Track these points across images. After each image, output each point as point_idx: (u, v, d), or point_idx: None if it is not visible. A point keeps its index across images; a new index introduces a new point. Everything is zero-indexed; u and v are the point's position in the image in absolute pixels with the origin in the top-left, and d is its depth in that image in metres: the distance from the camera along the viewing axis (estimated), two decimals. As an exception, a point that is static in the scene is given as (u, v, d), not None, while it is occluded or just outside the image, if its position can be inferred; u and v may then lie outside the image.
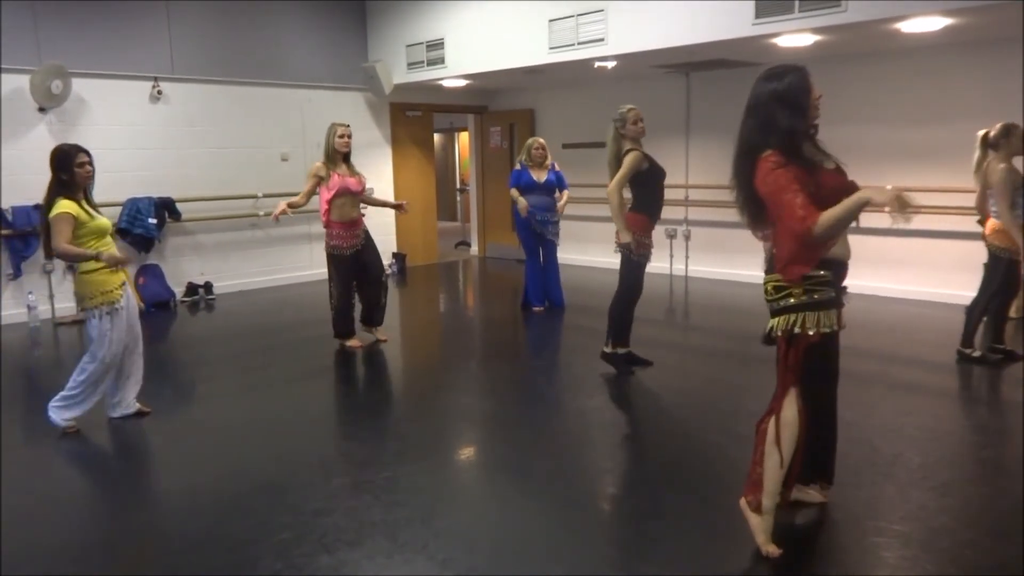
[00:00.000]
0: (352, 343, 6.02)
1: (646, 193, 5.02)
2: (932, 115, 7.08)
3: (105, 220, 4.24)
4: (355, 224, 5.86)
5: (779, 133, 2.68)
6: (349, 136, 5.81)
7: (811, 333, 2.70)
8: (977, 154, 5.12)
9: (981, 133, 5.11)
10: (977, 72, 6.77)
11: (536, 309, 7.22)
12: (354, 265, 5.90)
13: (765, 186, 2.67)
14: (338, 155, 5.76)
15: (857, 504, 3.18)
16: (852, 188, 2.78)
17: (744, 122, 2.80)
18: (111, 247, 4.19)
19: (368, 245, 5.98)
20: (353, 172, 5.83)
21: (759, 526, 2.84)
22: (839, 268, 2.78)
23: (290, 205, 5.65)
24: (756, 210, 2.81)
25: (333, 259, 5.91)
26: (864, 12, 5.53)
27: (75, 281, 4.26)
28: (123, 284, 4.24)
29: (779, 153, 2.66)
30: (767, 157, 2.67)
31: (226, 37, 8.47)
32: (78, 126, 7.44)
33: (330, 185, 5.70)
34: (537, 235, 7.13)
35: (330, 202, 5.73)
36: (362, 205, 6.06)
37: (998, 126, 4.99)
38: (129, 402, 4.47)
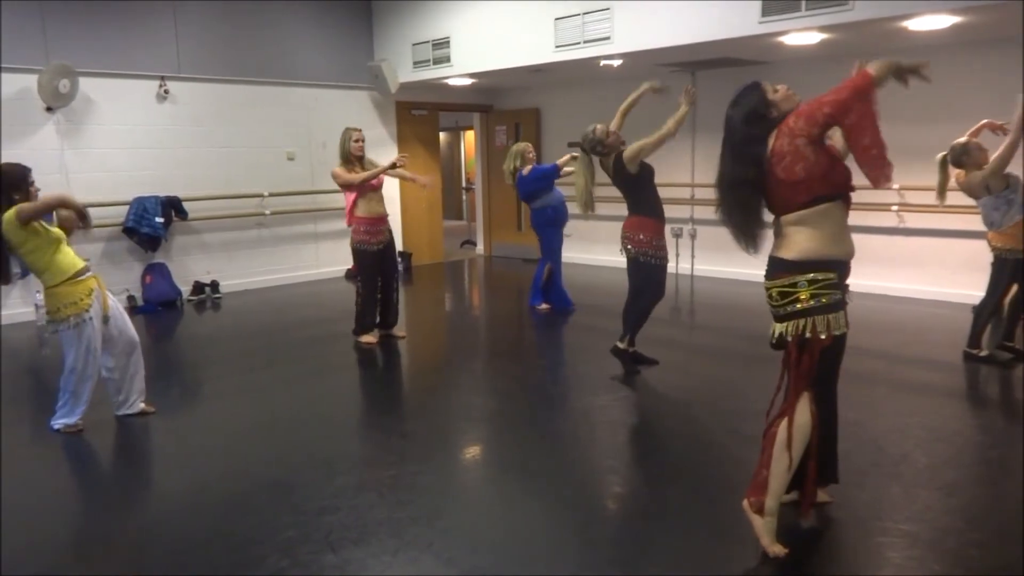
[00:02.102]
0: (367, 339, 6.08)
1: (649, 194, 5.01)
2: (939, 114, 7.05)
3: (58, 231, 4.15)
4: (381, 220, 5.97)
5: (756, 157, 2.73)
6: (363, 140, 5.96)
7: (823, 337, 2.70)
8: (939, 177, 5.16)
9: (940, 157, 5.17)
10: (984, 71, 6.74)
11: (543, 308, 7.22)
12: (379, 261, 5.99)
13: (808, 124, 2.64)
14: (354, 158, 5.90)
15: (863, 504, 3.17)
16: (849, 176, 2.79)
17: (722, 157, 2.84)
18: (69, 255, 4.14)
19: (391, 244, 6.08)
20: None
21: (763, 527, 2.83)
22: (843, 268, 2.78)
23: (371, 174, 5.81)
24: (754, 227, 2.82)
25: (359, 254, 5.99)
26: (871, 10, 5.51)
27: (44, 296, 4.20)
28: (91, 292, 4.15)
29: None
30: (783, 131, 2.69)
31: (232, 37, 8.48)
32: (85, 125, 7.47)
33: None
34: (561, 231, 7.11)
35: (356, 199, 5.85)
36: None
37: (957, 145, 5.05)
38: (132, 401, 4.49)
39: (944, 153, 5.14)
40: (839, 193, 2.74)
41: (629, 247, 5.04)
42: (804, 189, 2.69)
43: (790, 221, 2.75)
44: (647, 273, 5.04)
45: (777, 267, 2.78)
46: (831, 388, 2.93)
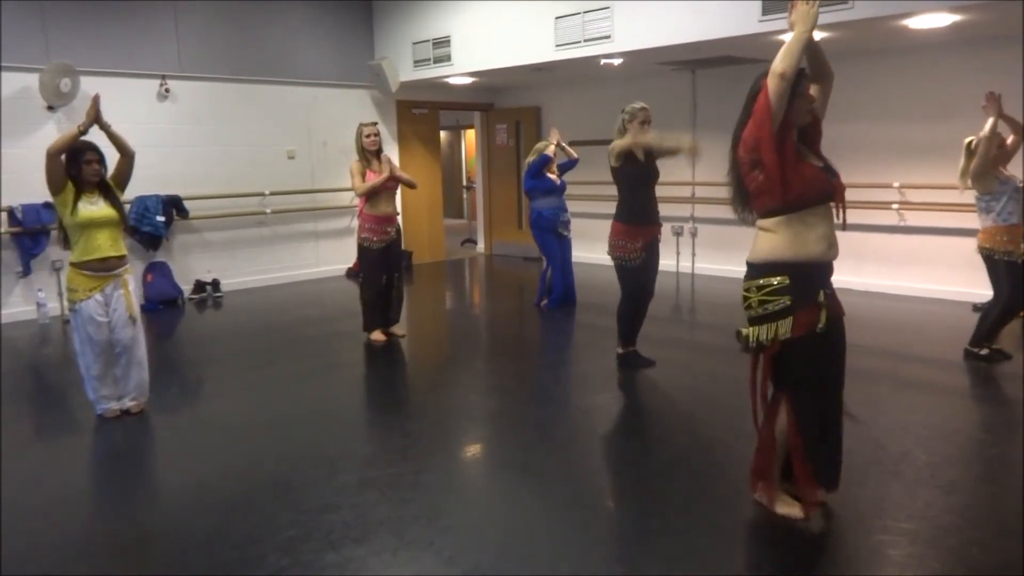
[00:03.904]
0: (376, 337, 6.10)
1: (626, 196, 4.96)
2: (938, 112, 7.05)
3: (95, 213, 4.21)
4: (388, 220, 5.95)
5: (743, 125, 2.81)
6: (377, 135, 5.91)
7: (766, 342, 2.83)
8: (962, 162, 5.17)
9: (967, 141, 5.18)
10: (983, 69, 6.73)
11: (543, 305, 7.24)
12: (384, 259, 5.97)
13: (745, 151, 2.75)
14: (369, 154, 5.87)
15: (863, 502, 3.17)
16: (837, 187, 2.82)
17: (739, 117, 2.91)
18: (96, 243, 4.21)
19: (396, 243, 6.07)
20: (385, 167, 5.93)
21: (777, 502, 2.96)
22: (824, 269, 2.83)
23: (371, 189, 5.79)
24: (740, 192, 2.94)
25: (363, 251, 5.99)
26: (871, 9, 5.51)
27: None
28: (94, 289, 4.23)
29: None
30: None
31: (233, 35, 8.49)
32: (86, 124, 7.47)
33: (365, 180, 5.82)
34: (558, 236, 7.13)
35: (366, 197, 5.85)
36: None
37: (982, 133, 5.04)
38: (123, 399, 4.49)
39: (971, 138, 5.15)
40: (795, 207, 2.75)
41: (608, 252, 5.09)
42: (758, 203, 2.82)
43: (759, 224, 2.88)
44: (623, 276, 5.05)
45: (747, 271, 2.92)
46: (826, 393, 2.94)
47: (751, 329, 2.88)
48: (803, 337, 2.78)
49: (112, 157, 4.44)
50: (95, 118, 4.23)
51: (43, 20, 7.20)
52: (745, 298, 2.89)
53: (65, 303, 4.42)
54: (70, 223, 4.20)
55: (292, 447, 4.03)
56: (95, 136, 4.30)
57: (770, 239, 2.79)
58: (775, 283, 2.77)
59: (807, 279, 2.77)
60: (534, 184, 7.04)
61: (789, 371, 2.88)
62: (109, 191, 4.36)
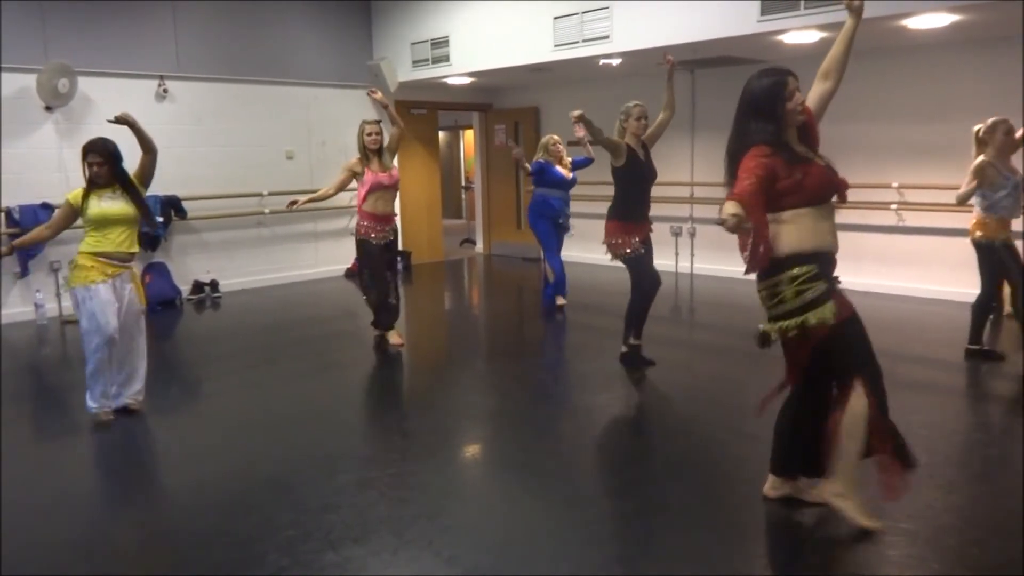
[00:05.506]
0: (396, 341, 5.97)
1: (619, 193, 5.02)
2: (937, 112, 7.06)
3: (108, 209, 4.26)
4: (386, 219, 5.93)
5: (752, 142, 2.78)
6: (378, 133, 5.90)
7: (813, 323, 2.76)
8: (973, 151, 5.15)
9: (975, 129, 5.15)
10: (982, 69, 6.74)
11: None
12: (383, 256, 5.94)
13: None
14: (370, 152, 5.84)
15: (863, 503, 3.17)
16: (840, 184, 2.85)
17: (732, 127, 2.91)
18: (107, 238, 4.25)
19: (394, 244, 6.06)
20: (386, 167, 5.90)
21: (851, 509, 2.89)
22: (825, 259, 2.83)
23: (315, 199, 5.85)
24: None
25: (362, 246, 5.96)
26: (870, 9, 5.43)
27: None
28: (106, 276, 4.24)
29: (766, 146, 2.74)
30: (753, 152, 2.74)
31: (231, 36, 8.48)
32: (84, 125, 7.45)
33: (364, 181, 5.80)
34: (557, 228, 7.12)
35: (365, 194, 5.83)
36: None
37: (988, 122, 5.02)
38: (122, 397, 4.48)
39: (980, 126, 5.09)
40: (815, 201, 2.80)
41: (610, 252, 5.10)
42: (785, 202, 2.79)
43: (777, 218, 2.81)
44: (632, 268, 5.08)
45: (764, 268, 2.86)
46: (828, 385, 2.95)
47: (791, 321, 2.79)
48: (854, 316, 2.82)
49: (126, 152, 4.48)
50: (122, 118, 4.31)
51: (42, 20, 7.19)
52: (773, 294, 2.83)
53: (65, 301, 4.35)
54: (84, 219, 4.26)
55: (292, 447, 4.03)
56: (114, 132, 4.33)
57: (790, 231, 2.78)
58: (807, 271, 2.76)
59: (827, 268, 2.82)
60: (540, 179, 7.05)
61: (856, 354, 2.85)
62: (131, 187, 4.37)
